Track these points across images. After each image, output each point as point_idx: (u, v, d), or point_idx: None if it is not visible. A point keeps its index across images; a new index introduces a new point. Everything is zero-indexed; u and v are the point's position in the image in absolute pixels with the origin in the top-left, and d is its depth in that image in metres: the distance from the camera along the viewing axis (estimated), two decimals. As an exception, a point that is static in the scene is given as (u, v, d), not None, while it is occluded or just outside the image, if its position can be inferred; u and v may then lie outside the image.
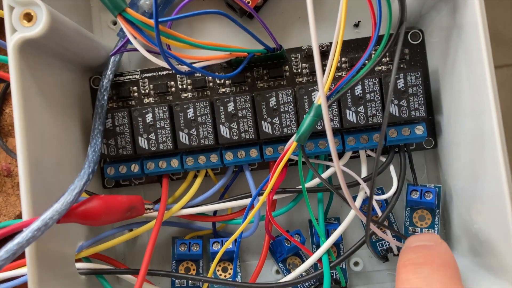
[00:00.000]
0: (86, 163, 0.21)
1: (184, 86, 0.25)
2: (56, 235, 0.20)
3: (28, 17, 0.19)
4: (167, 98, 0.25)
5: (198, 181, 0.25)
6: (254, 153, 0.24)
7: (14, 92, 0.19)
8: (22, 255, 0.19)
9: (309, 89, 0.23)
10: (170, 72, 0.25)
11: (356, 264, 0.26)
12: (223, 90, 0.25)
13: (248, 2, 0.24)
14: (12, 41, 0.19)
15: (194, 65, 0.21)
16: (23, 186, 0.19)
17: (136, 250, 0.27)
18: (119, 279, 0.26)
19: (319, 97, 0.20)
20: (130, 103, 0.25)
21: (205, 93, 0.25)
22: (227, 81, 0.25)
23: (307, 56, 0.25)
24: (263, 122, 0.23)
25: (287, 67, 0.25)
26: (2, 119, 0.27)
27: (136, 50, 0.20)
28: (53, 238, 0.20)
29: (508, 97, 0.55)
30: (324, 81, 0.19)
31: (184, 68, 0.21)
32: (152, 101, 0.25)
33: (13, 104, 0.19)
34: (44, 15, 0.19)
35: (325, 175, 0.24)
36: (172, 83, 0.25)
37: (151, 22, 0.18)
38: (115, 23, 0.27)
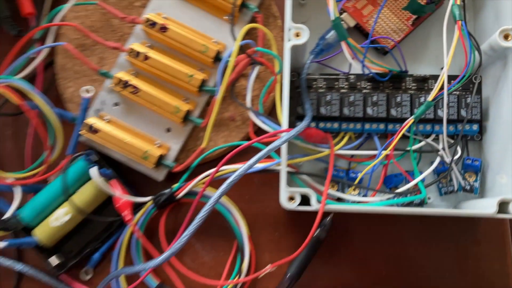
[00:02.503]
0: (308, 114, 0.39)
1: (344, 85, 0.44)
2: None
3: (297, 33, 0.38)
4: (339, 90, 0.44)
5: (346, 138, 0.43)
6: (382, 126, 0.43)
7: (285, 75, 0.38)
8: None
9: (418, 96, 0.42)
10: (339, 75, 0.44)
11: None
12: (368, 89, 0.44)
13: (388, 44, 0.44)
14: (288, 46, 0.38)
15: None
16: (285, 106, 0.38)
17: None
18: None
19: (432, 95, 0.39)
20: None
21: (357, 88, 0.44)
22: (368, 84, 0.44)
23: (418, 80, 0.44)
24: (391, 109, 0.42)
25: (404, 82, 0.44)
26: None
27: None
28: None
29: None
30: (434, 93, 0.38)
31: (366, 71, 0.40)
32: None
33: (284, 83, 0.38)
34: (306, 33, 0.38)
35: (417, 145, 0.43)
36: (336, 83, 0.44)
37: (362, 49, 0.38)
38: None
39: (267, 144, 0.37)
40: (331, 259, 0.44)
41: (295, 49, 0.39)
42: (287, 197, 0.37)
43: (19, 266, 0.42)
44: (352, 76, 0.44)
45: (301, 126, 0.37)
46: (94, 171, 0.39)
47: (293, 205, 0.36)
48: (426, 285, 0.44)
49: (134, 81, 0.42)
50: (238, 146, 0.37)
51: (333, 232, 0.41)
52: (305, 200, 0.37)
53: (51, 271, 0.42)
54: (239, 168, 0.35)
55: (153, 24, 0.43)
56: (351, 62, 0.39)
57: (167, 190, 0.42)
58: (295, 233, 0.44)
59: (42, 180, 0.43)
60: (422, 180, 0.41)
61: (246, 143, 0.37)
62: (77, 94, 0.45)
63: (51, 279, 0.43)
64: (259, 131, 0.44)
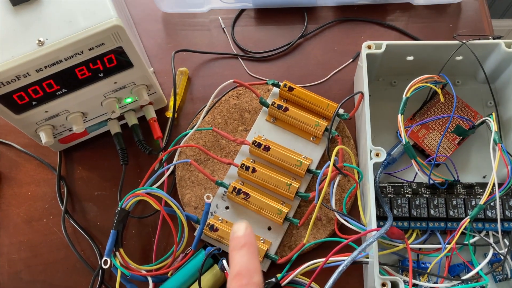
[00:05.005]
0: (389, 216, 0.50)
1: (408, 191, 0.55)
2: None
3: (377, 153, 0.50)
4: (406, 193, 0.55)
5: (414, 235, 0.53)
6: (442, 224, 0.53)
7: (370, 186, 0.50)
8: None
9: (470, 200, 0.53)
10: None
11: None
12: (428, 194, 0.55)
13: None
14: (371, 163, 0.50)
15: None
16: (373, 210, 0.48)
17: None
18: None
19: (483, 199, 0.50)
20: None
21: (419, 194, 0.55)
22: (427, 190, 0.55)
23: (466, 187, 0.55)
24: (449, 210, 0.53)
25: (455, 188, 0.55)
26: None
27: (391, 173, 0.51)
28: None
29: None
30: (484, 197, 0.50)
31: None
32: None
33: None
34: (384, 153, 0.50)
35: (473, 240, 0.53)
36: (402, 190, 0.55)
37: (427, 164, 0.50)
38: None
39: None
40: None
41: (375, 165, 0.51)
42: (381, 283, 0.46)
43: None
44: (414, 184, 0.55)
45: (387, 226, 0.47)
46: (225, 263, 0.48)
47: (387, 290, 0.45)
48: None
49: (244, 189, 0.54)
50: (326, 241, 0.47)
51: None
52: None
53: None
54: (341, 259, 0.45)
55: (258, 145, 0.55)
56: (419, 174, 0.51)
57: (273, 279, 0.51)
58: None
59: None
60: (481, 269, 0.50)
61: (345, 241, 0.47)
62: (193, 199, 0.56)
63: None
64: (341, 228, 0.54)
